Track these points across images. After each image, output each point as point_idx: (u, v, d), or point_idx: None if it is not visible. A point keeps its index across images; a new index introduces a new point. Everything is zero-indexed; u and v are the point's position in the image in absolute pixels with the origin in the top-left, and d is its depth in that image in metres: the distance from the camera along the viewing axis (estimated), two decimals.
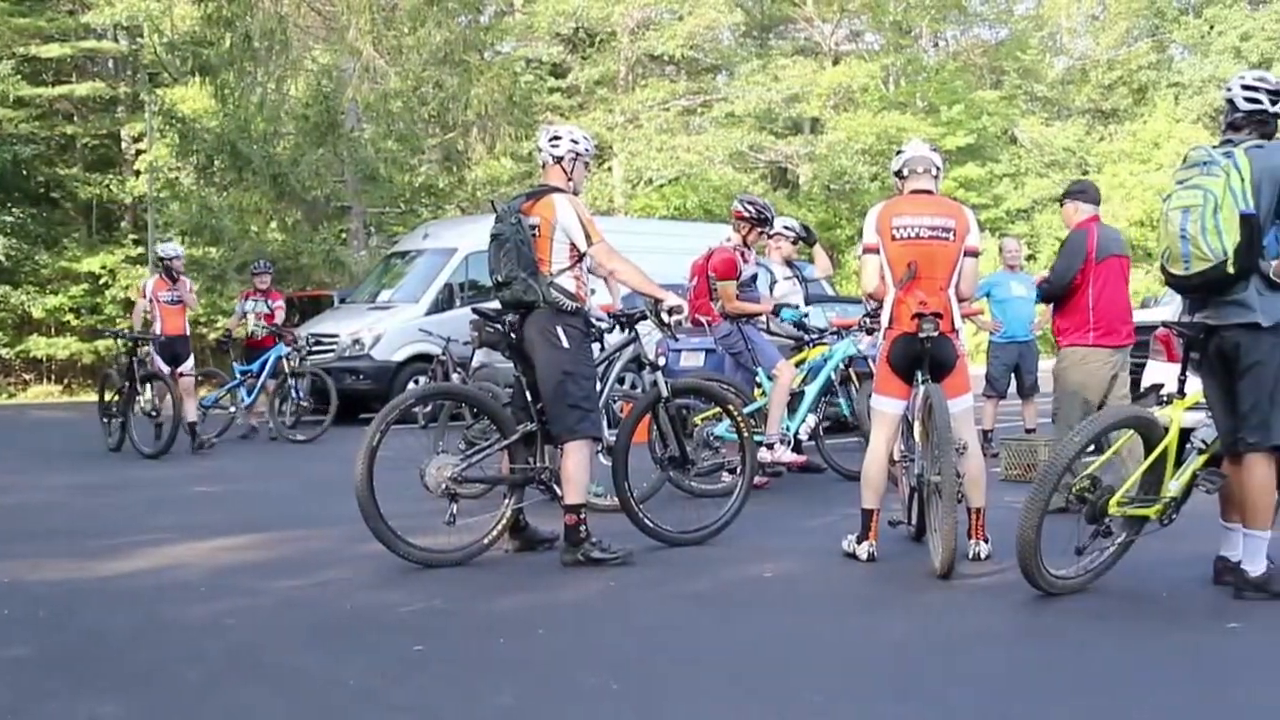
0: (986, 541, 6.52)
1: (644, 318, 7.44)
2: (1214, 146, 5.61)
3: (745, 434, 7.57)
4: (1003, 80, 46.60)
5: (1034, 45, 46.40)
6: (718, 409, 8.37)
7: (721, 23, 37.15)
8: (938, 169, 6.69)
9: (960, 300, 6.56)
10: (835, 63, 41.58)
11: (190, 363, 14.17)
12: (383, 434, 6.37)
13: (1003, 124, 43.34)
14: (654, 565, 6.57)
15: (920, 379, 6.40)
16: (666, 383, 7.30)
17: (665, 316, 6.94)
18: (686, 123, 36.61)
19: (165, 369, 13.63)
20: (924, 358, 6.35)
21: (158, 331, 13.84)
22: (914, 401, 6.50)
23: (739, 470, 7.66)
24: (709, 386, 8.06)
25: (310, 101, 25.38)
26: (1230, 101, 5.69)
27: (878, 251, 6.52)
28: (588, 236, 6.66)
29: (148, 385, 13.26)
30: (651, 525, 7.08)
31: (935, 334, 6.26)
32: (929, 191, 6.61)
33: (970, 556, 6.45)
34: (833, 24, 43.00)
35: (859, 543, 6.57)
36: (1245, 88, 5.64)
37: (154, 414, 13.15)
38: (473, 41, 26.64)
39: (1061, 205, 8.48)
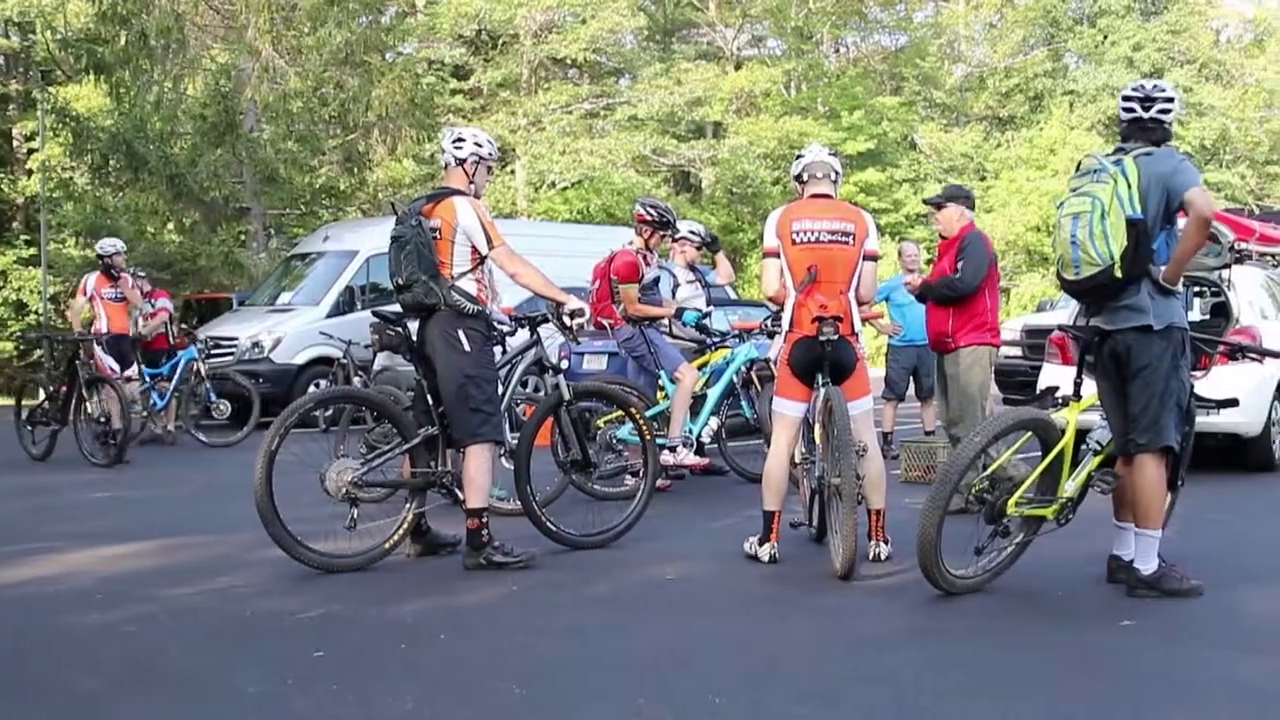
0: (887, 542, 6.60)
1: (546, 321, 7.43)
2: (1107, 155, 5.76)
3: (648, 437, 7.59)
4: (902, 86, 47.12)
5: (933, 52, 46.92)
6: (620, 412, 8.39)
7: (624, 26, 37.12)
8: (837, 174, 6.77)
9: (860, 304, 6.64)
10: (737, 67, 41.76)
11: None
12: (282, 438, 6.30)
13: (902, 130, 43.83)
14: (557, 569, 6.58)
15: (820, 382, 6.46)
16: (569, 386, 7.30)
17: (567, 320, 6.91)
18: (589, 126, 36.53)
19: (116, 368, 13.26)
20: (824, 361, 6.41)
21: (103, 330, 13.50)
22: (814, 404, 6.55)
23: (641, 473, 7.68)
24: (611, 390, 8.07)
25: (208, 101, 24.94)
26: (1120, 113, 5.88)
27: (778, 255, 6.59)
28: (489, 239, 6.62)
29: (94, 390, 12.43)
30: (554, 528, 7.07)
31: (835, 337, 6.32)
32: (828, 196, 6.69)
33: (870, 557, 6.53)
34: (735, 29, 43.18)
35: (761, 544, 6.62)
36: (1124, 99, 5.86)
37: (103, 420, 12.30)
38: (374, 42, 26.34)
39: (938, 209, 8.53)
